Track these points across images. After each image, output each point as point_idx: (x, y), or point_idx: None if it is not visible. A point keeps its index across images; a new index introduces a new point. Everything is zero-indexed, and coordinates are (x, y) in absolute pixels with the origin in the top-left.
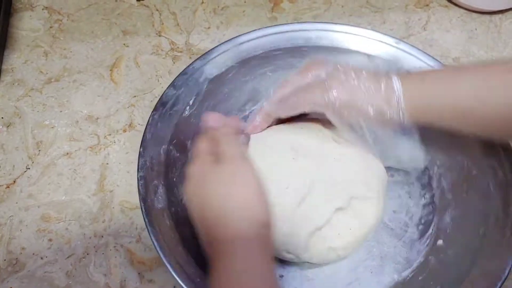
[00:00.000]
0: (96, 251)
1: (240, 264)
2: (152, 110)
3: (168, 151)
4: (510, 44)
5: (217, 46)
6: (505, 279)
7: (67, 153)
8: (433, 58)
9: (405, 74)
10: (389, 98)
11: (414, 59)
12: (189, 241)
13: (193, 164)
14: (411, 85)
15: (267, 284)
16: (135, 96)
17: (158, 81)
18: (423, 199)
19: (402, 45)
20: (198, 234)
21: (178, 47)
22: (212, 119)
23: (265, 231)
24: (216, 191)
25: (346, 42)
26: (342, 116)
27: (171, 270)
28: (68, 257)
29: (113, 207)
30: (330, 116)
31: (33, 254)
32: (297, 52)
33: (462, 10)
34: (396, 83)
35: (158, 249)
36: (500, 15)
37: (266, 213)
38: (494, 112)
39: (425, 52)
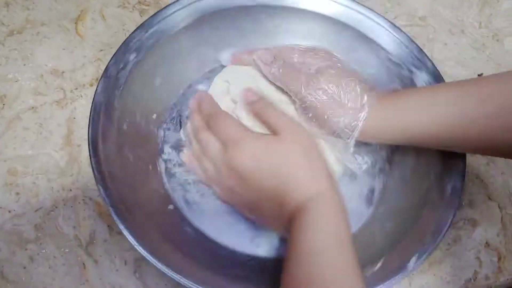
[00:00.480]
0: (64, 204)
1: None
2: None
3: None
4: (474, 3)
5: None
6: None
7: (33, 107)
8: (388, 20)
9: (382, 97)
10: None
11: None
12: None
13: (242, 138)
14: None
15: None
16: (101, 50)
17: (125, 35)
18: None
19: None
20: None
21: (145, 0)
22: (250, 95)
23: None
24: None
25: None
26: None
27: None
28: (36, 210)
29: (81, 161)
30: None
31: (0, 207)
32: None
33: None
34: (366, 107)
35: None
36: None
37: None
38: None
39: (380, 14)
